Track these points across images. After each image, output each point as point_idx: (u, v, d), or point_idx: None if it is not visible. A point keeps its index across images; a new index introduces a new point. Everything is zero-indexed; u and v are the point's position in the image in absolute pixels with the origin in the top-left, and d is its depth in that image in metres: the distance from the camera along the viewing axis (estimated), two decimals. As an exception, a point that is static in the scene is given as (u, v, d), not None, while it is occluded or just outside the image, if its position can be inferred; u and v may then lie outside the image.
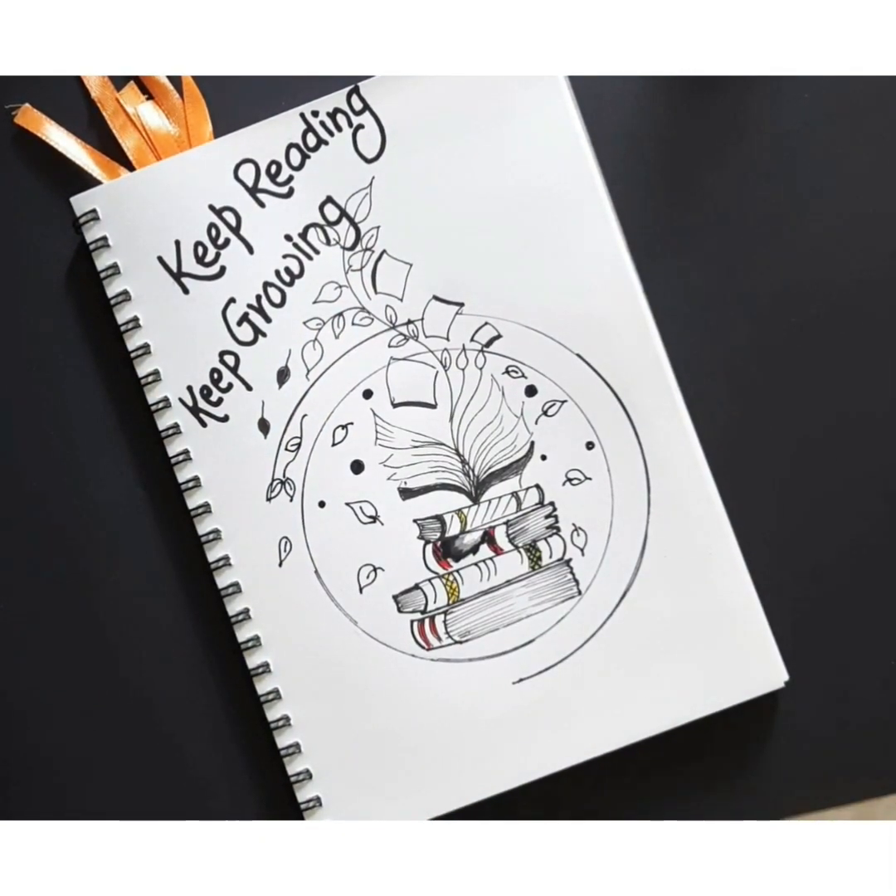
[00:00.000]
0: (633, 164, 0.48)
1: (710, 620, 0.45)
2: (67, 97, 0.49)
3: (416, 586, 0.47)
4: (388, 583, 0.46)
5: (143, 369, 0.47)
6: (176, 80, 0.48)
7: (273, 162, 0.47)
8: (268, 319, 0.47)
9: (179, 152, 0.47)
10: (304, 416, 0.47)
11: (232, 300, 0.47)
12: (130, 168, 0.48)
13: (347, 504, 0.47)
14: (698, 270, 0.48)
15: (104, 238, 0.47)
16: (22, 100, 0.48)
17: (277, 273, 0.47)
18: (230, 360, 0.47)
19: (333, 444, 0.47)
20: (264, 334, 0.47)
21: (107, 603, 0.48)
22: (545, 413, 0.47)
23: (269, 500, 0.47)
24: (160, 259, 0.47)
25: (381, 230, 0.47)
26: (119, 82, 0.48)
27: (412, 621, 0.46)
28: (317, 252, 0.47)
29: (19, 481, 0.48)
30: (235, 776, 0.48)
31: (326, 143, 0.47)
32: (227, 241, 0.47)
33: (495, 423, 0.47)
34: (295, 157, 0.47)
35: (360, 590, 0.47)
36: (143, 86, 0.48)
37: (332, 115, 0.47)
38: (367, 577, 0.47)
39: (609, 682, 0.46)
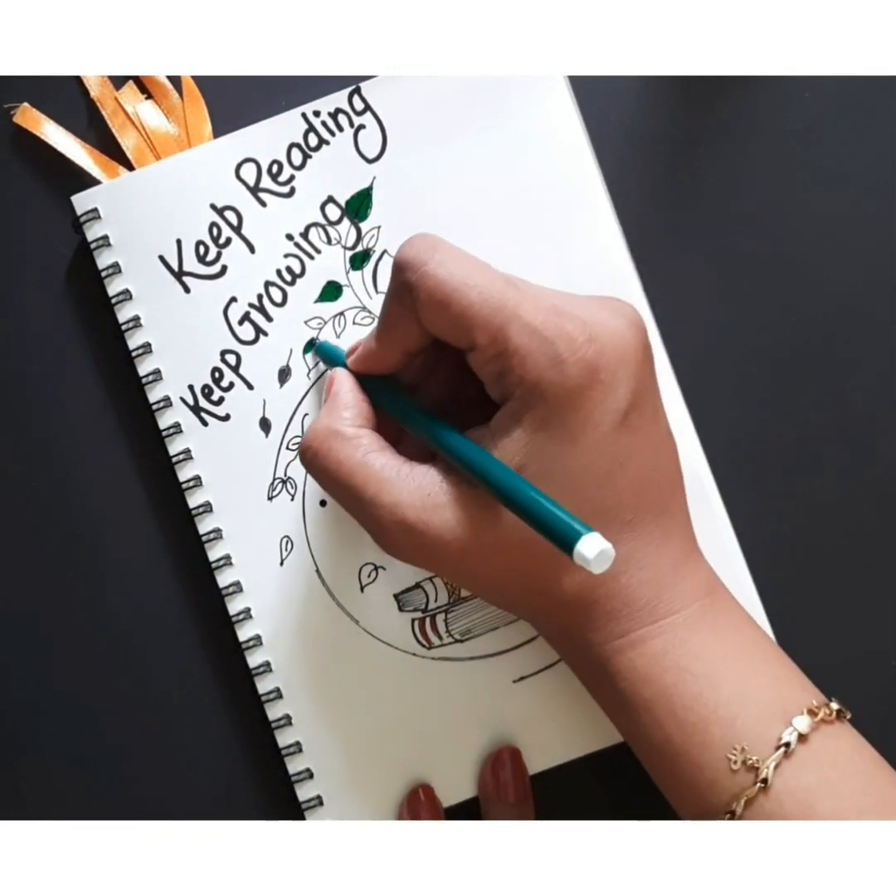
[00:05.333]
0: (633, 164, 0.48)
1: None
2: (66, 97, 0.48)
3: (418, 585, 0.47)
4: (390, 582, 0.47)
5: (143, 368, 0.47)
6: (175, 80, 0.48)
7: (275, 161, 0.47)
8: (269, 319, 0.47)
9: (178, 152, 0.47)
10: (306, 415, 0.47)
11: (233, 299, 0.47)
12: (130, 168, 0.48)
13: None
14: (698, 270, 0.48)
15: (105, 237, 0.47)
16: (20, 99, 0.48)
17: (279, 272, 0.47)
18: (231, 359, 0.47)
19: (335, 444, 0.47)
20: (266, 333, 0.47)
21: (107, 602, 0.48)
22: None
23: (270, 499, 0.47)
24: (161, 258, 0.47)
25: (381, 230, 0.47)
26: (118, 82, 0.48)
27: (413, 620, 0.46)
28: (318, 251, 0.47)
29: (19, 481, 0.48)
30: (235, 776, 0.48)
31: (328, 142, 0.47)
32: (228, 241, 0.47)
33: (496, 423, 0.47)
34: (296, 156, 0.47)
35: (362, 589, 0.47)
36: (143, 85, 0.48)
37: (334, 115, 0.47)
38: (369, 575, 0.47)
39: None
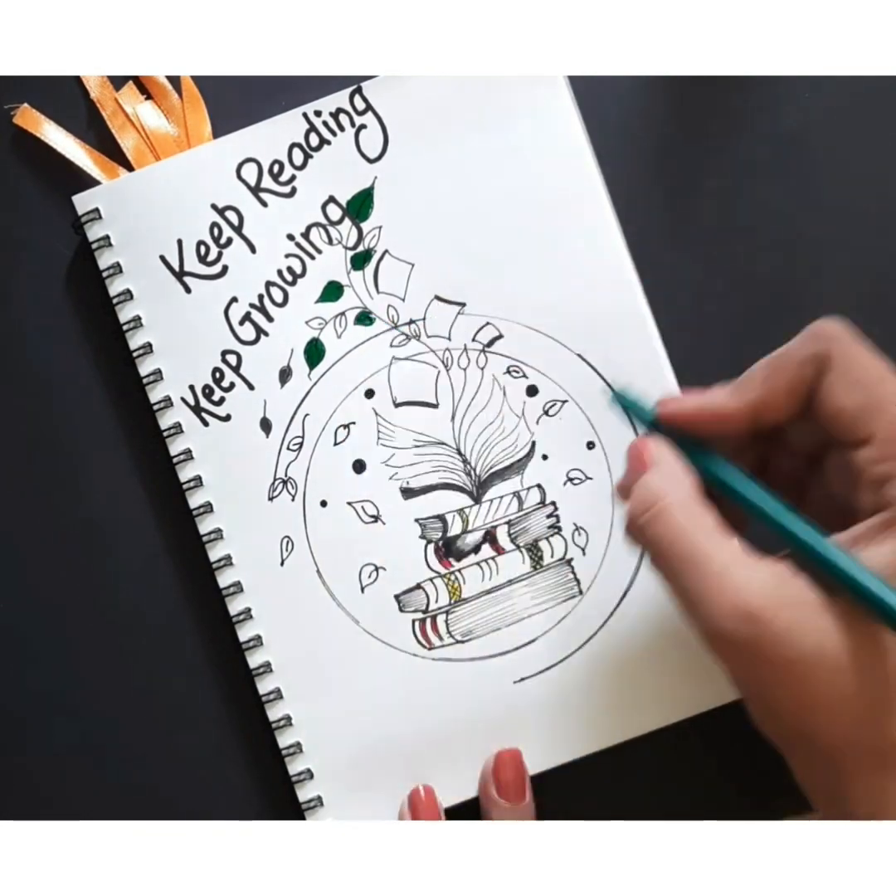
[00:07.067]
0: (633, 164, 0.48)
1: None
2: (66, 97, 0.48)
3: (418, 586, 0.47)
4: (390, 582, 0.46)
5: (144, 368, 0.47)
6: (175, 80, 0.48)
7: (275, 161, 0.47)
8: (270, 319, 0.47)
9: (178, 152, 0.47)
10: (307, 415, 0.47)
11: (234, 299, 0.47)
12: (129, 168, 0.48)
13: (349, 503, 0.47)
14: (698, 270, 0.48)
15: (106, 237, 0.47)
16: (20, 99, 0.48)
17: (280, 272, 0.47)
18: (232, 359, 0.47)
19: (335, 444, 0.47)
20: (267, 333, 0.47)
21: (107, 602, 0.48)
22: (546, 413, 0.47)
23: (271, 499, 0.47)
24: (162, 258, 0.47)
25: (383, 230, 0.47)
26: (118, 82, 0.48)
27: (414, 621, 0.46)
28: (319, 251, 0.47)
29: (19, 481, 0.48)
30: (235, 776, 0.48)
31: (329, 142, 0.47)
32: (229, 241, 0.47)
33: (496, 423, 0.47)
34: (297, 156, 0.47)
35: (362, 589, 0.47)
36: (142, 86, 0.48)
37: (335, 115, 0.47)
38: (369, 576, 0.47)
39: (610, 680, 0.46)
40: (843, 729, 0.37)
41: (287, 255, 0.47)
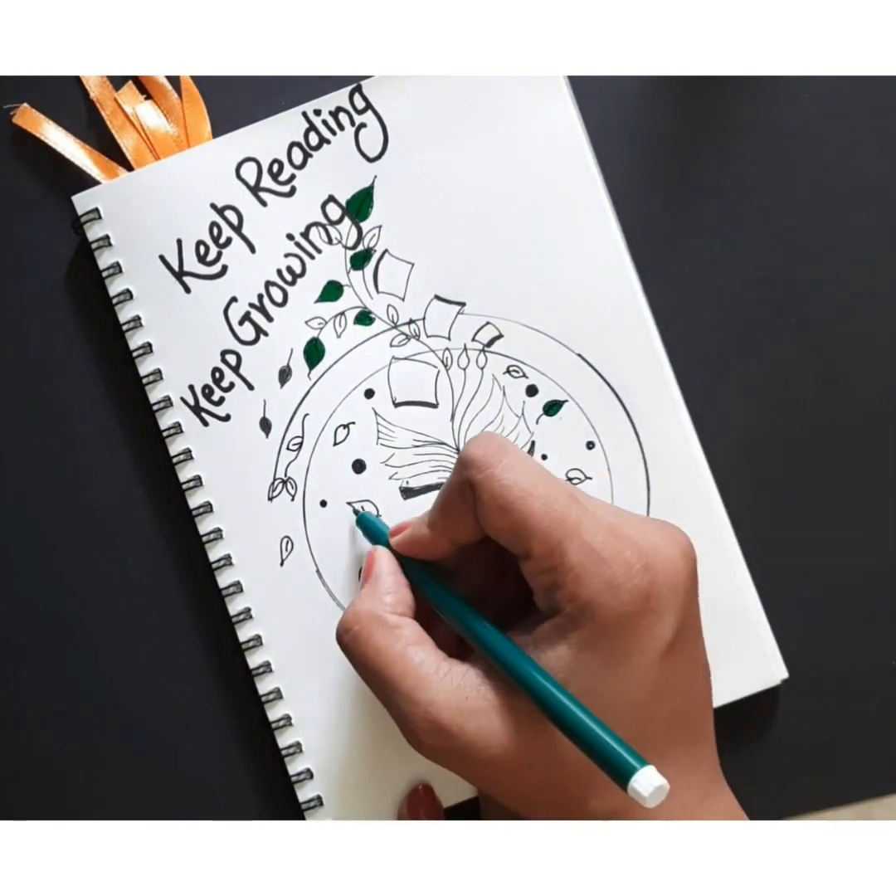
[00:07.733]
0: (633, 164, 0.48)
1: (709, 617, 0.45)
2: (66, 97, 0.48)
3: (418, 586, 0.47)
4: (390, 582, 0.46)
5: (144, 368, 0.47)
6: (175, 80, 0.48)
7: (275, 160, 0.47)
8: (270, 319, 0.47)
9: (178, 152, 0.47)
10: (306, 415, 0.47)
11: (234, 299, 0.47)
12: (129, 168, 0.48)
13: (349, 503, 0.47)
14: (698, 270, 0.48)
15: (106, 237, 0.47)
16: (20, 99, 0.48)
17: (279, 272, 0.47)
18: (232, 359, 0.47)
19: (335, 444, 0.47)
20: (266, 333, 0.47)
21: (106, 602, 0.48)
22: (546, 413, 0.47)
23: (270, 499, 0.47)
24: (162, 258, 0.47)
25: (382, 229, 0.47)
26: (118, 82, 0.48)
27: (414, 620, 0.46)
28: (319, 251, 0.47)
29: (19, 480, 0.48)
30: (235, 776, 0.48)
31: (328, 141, 0.47)
32: (228, 240, 0.47)
33: (496, 423, 0.47)
34: (297, 155, 0.47)
35: (362, 589, 0.47)
36: (142, 86, 0.48)
37: (335, 114, 0.47)
38: (369, 576, 0.47)
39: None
40: (543, 813, 0.40)
41: (287, 255, 0.47)
